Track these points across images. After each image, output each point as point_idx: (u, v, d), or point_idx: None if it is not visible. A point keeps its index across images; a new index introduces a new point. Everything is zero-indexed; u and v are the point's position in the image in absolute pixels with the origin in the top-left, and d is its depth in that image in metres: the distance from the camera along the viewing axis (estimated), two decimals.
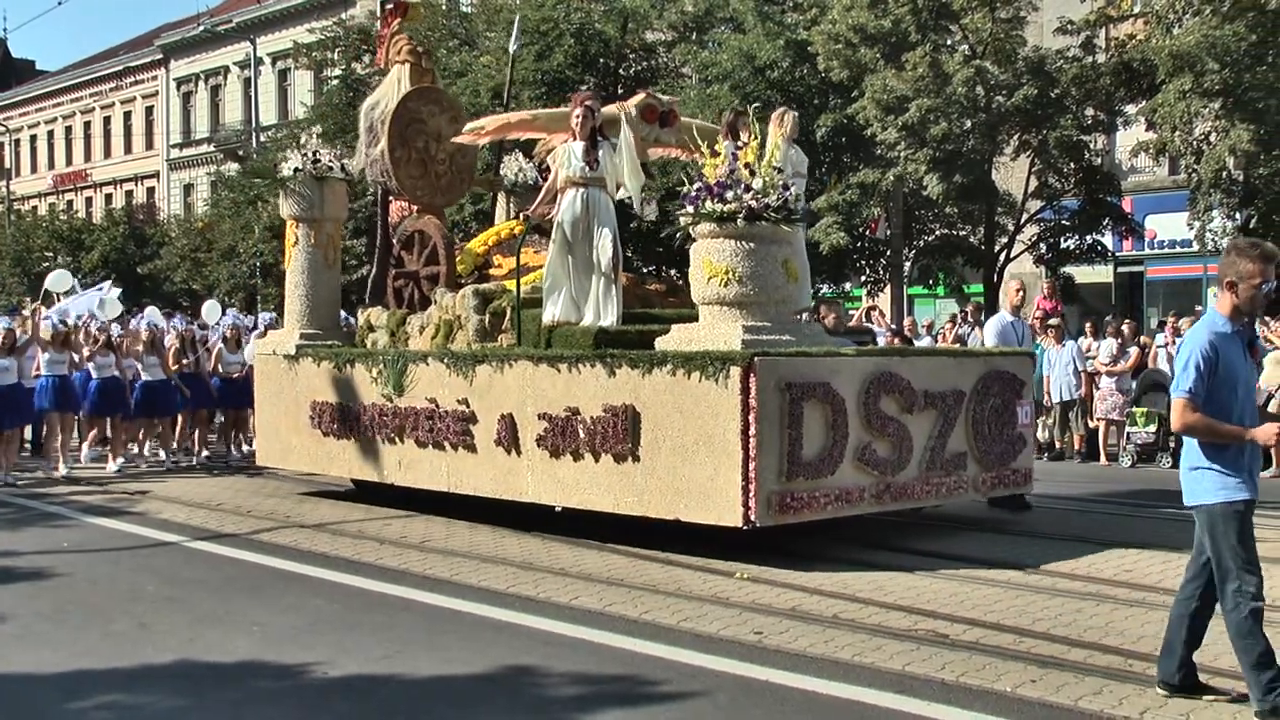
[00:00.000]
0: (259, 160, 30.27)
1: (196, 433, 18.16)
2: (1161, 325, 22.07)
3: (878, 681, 6.61)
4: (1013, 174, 27.61)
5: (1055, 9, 27.12)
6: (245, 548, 10.91)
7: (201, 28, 56.26)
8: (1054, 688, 6.40)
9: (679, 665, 7.00)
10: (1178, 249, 29.79)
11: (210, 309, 21.15)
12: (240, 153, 51.77)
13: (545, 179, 15.31)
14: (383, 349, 12.96)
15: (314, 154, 14.29)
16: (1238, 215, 24.30)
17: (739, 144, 10.26)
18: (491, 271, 13.27)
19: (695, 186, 9.93)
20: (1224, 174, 23.32)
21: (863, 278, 30.54)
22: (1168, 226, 29.62)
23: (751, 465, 9.15)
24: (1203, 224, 24.21)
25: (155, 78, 62.08)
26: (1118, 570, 9.27)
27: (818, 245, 25.08)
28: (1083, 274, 28.82)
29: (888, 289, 30.94)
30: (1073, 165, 26.21)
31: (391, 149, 13.50)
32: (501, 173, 15.19)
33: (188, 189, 59.74)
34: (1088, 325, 19.67)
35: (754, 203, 9.68)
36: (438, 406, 11.80)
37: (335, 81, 38.46)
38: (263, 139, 48.01)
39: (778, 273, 9.96)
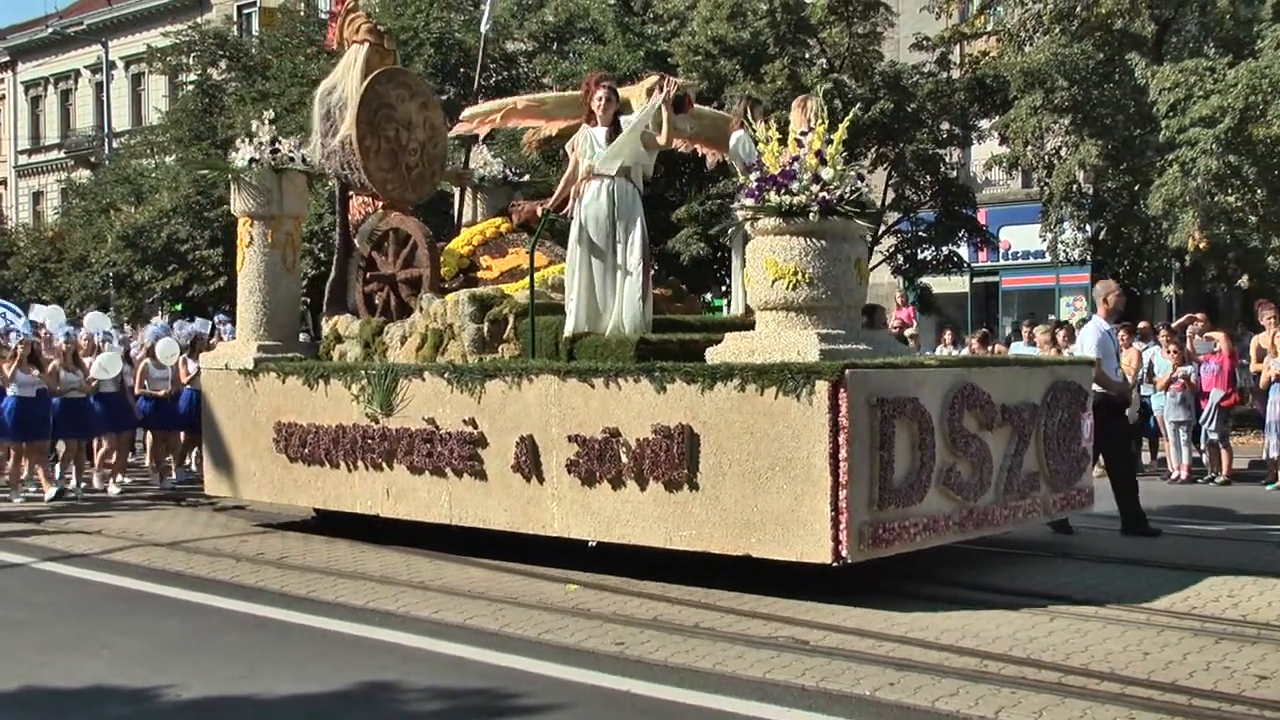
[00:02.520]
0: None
1: (114, 457, 16.10)
2: (1017, 332, 22.63)
3: (738, 689, 6.65)
4: (870, 186, 28.08)
5: (911, 25, 27.68)
6: (96, 568, 10.57)
7: (50, 30, 54.55)
8: (911, 690, 6.52)
9: (541, 677, 6.98)
10: (1031, 260, 30.58)
11: (94, 320, 19.09)
12: (92, 159, 50.44)
13: (516, 175, 14.14)
14: (365, 362, 11.44)
15: (272, 142, 12.68)
16: (1087, 227, 25.11)
17: (804, 130, 9.14)
18: (480, 274, 12.05)
19: (754, 177, 8.83)
20: (1074, 187, 24.09)
21: (723, 288, 30.77)
22: (1021, 238, 30.37)
23: (842, 493, 8.11)
24: (1054, 235, 24.94)
25: (1, 81, 60.12)
26: (973, 576, 9.47)
27: (678, 256, 25.23)
28: (940, 284, 29.40)
29: None
30: (929, 178, 26.74)
31: (361, 138, 12.02)
32: (471, 166, 13.90)
33: (37, 197, 57.89)
34: (946, 334, 20.05)
35: (827, 194, 8.60)
36: (437, 428, 10.41)
37: (190, 87, 37.67)
38: (116, 145, 46.78)
39: (851, 274, 8.86)
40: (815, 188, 8.60)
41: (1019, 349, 19.00)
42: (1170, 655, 7.12)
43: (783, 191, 8.67)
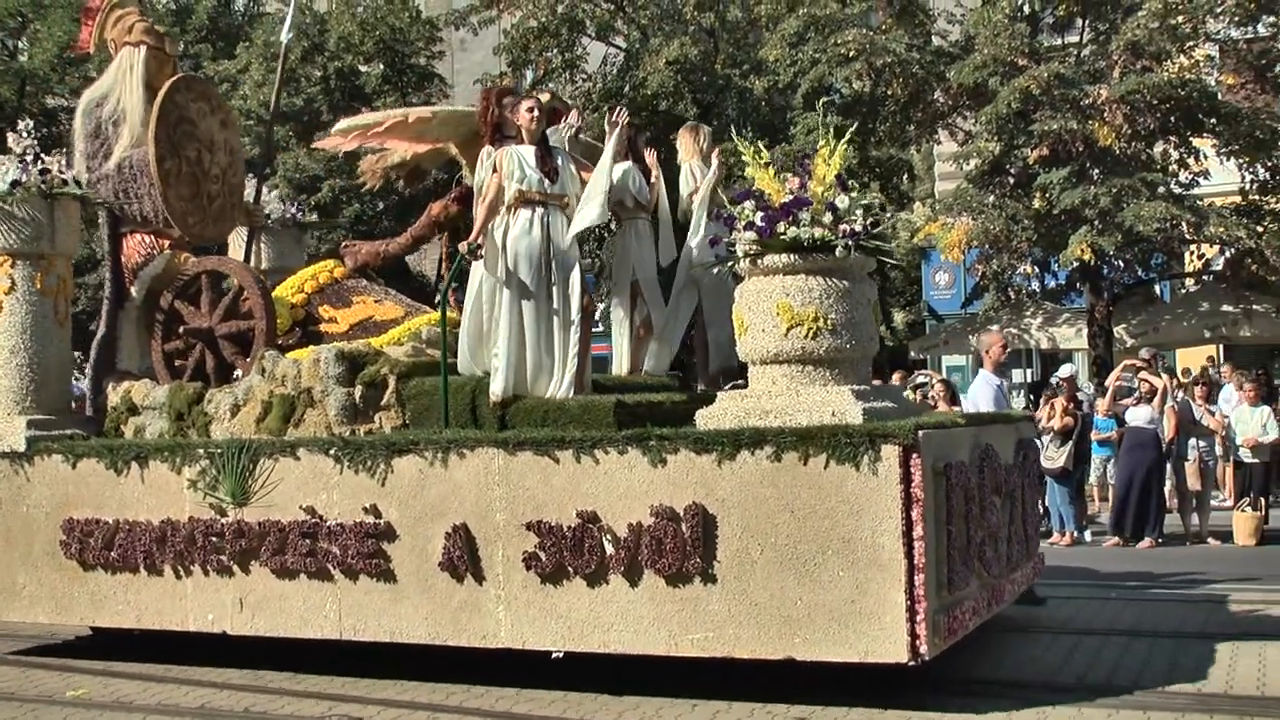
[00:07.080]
0: None
1: None
2: None
3: None
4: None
5: (469, 95, 28.24)
6: None
7: None
8: None
9: None
10: None
11: None
12: None
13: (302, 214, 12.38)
14: (204, 438, 9.15)
15: (39, 160, 9.74)
16: None
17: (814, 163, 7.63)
18: (323, 328, 10.07)
19: (750, 206, 7.40)
20: None
21: None
22: None
23: (918, 578, 6.82)
24: None
25: None
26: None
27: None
28: None
29: None
30: None
31: (159, 158, 9.67)
32: (262, 203, 11.53)
33: None
34: None
35: (848, 225, 7.30)
36: (321, 518, 8.31)
37: None
38: None
39: (870, 319, 7.63)
40: (828, 218, 7.31)
41: None
42: None
43: (799, 223, 7.32)
